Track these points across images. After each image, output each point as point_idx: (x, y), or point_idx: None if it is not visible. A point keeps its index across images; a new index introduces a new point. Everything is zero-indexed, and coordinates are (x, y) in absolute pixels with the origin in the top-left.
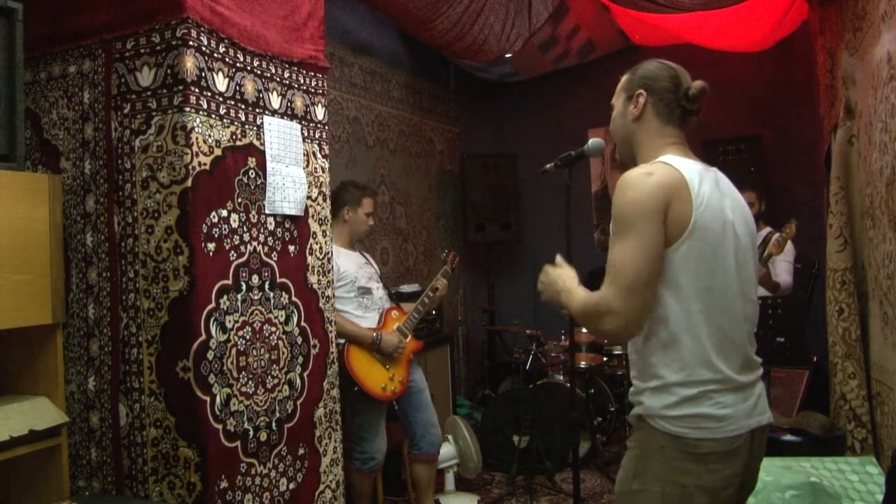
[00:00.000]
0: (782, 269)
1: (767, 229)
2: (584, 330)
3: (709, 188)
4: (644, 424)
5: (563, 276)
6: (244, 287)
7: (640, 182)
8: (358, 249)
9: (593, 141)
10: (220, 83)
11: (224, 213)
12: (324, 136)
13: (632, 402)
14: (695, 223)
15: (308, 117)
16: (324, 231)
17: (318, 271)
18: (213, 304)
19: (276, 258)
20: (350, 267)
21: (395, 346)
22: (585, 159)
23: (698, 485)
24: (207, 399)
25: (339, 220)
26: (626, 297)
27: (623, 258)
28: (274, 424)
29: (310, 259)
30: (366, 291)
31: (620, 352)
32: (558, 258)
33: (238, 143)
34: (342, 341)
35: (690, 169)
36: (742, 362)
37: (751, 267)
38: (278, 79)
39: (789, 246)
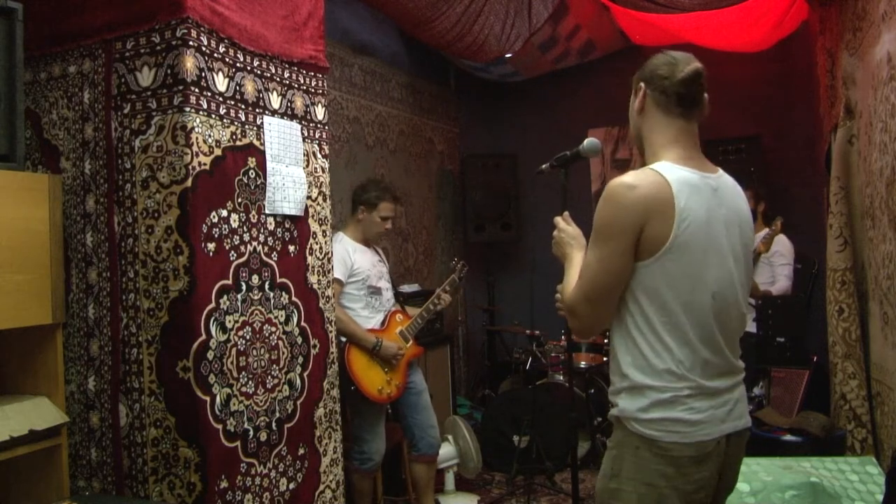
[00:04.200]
0: (782, 273)
1: (766, 230)
2: None
3: (699, 201)
4: (620, 425)
5: (574, 243)
6: (244, 287)
7: (620, 196)
8: (373, 246)
9: (589, 141)
10: (220, 83)
11: (224, 213)
12: (324, 136)
13: (610, 401)
14: (673, 241)
15: (308, 117)
16: (324, 231)
17: (319, 271)
18: (213, 304)
19: (276, 258)
20: (364, 264)
21: (394, 355)
22: (582, 159)
23: (671, 486)
24: (207, 399)
25: (355, 217)
26: (585, 304)
27: (589, 269)
28: (274, 424)
29: (310, 259)
30: (376, 291)
31: None
32: (566, 215)
33: (238, 143)
34: (344, 339)
35: (681, 180)
36: (718, 371)
37: (741, 278)
38: (278, 79)
39: (789, 248)
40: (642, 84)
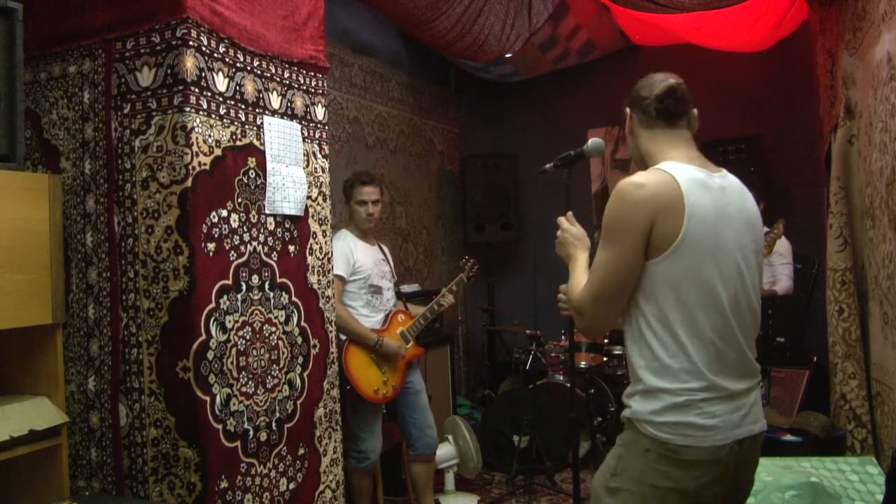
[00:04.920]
0: (783, 273)
1: (765, 230)
2: None
3: (707, 198)
4: (631, 426)
5: (578, 244)
6: (244, 287)
7: (629, 194)
8: (377, 243)
9: (593, 141)
10: (220, 83)
11: (224, 213)
12: (324, 136)
13: (623, 402)
14: (684, 236)
15: (308, 117)
16: (324, 231)
17: (318, 271)
18: (213, 304)
19: (276, 258)
20: (366, 262)
21: (395, 353)
22: (585, 159)
23: (675, 488)
24: (207, 399)
25: (350, 213)
26: (593, 303)
27: (598, 267)
28: (274, 424)
29: (310, 259)
30: (377, 291)
31: (620, 352)
32: (570, 215)
33: (238, 143)
34: (344, 337)
35: (689, 177)
36: (736, 371)
37: (753, 276)
38: (278, 79)
39: (787, 248)
40: (628, 109)
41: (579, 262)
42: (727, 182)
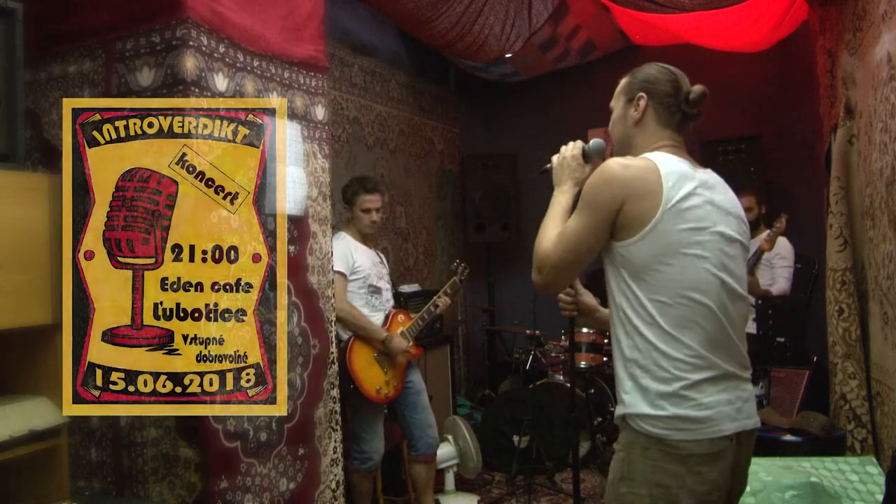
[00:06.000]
0: (782, 276)
1: (767, 232)
2: (585, 330)
3: (689, 188)
4: (626, 426)
5: (574, 177)
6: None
7: (610, 171)
8: (372, 247)
9: (594, 141)
10: (220, 83)
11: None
12: (324, 136)
13: (618, 395)
14: (658, 220)
15: (308, 117)
16: (324, 231)
17: (319, 271)
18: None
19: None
20: (365, 262)
21: (402, 351)
22: (587, 159)
23: (683, 487)
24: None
25: (348, 216)
26: (552, 266)
27: (569, 234)
28: (274, 424)
29: (310, 259)
30: (376, 290)
31: None
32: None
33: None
34: (346, 336)
35: (671, 167)
36: (728, 354)
37: (739, 265)
38: (278, 79)
39: (790, 250)
40: (643, 95)
41: (561, 199)
42: (710, 177)
